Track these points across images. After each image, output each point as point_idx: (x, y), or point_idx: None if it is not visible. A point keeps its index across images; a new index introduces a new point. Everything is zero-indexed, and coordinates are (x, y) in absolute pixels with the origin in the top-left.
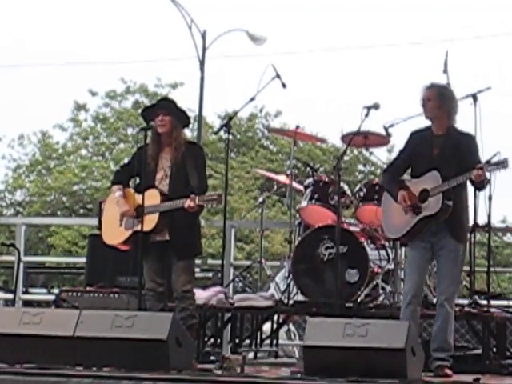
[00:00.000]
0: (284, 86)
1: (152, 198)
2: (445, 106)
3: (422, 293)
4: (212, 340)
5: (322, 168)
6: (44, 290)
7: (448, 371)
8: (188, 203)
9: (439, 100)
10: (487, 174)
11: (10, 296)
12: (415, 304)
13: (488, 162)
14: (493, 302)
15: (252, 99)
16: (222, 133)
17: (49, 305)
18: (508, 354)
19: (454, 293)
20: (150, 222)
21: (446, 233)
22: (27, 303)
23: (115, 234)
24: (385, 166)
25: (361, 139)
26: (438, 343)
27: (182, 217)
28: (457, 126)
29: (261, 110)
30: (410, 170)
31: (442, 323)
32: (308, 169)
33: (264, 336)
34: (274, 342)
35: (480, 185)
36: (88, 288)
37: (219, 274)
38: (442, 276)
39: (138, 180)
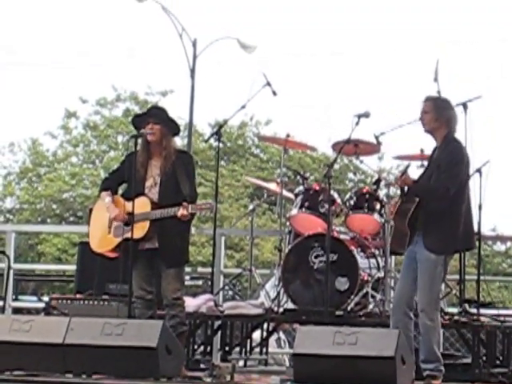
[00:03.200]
0: (274, 93)
1: (142, 205)
2: (442, 118)
3: (408, 301)
4: (202, 348)
5: (312, 176)
6: (34, 298)
7: (433, 382)
8: (181, 211)
9: (435, 112)
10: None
11: (0, 303)
12: (398, 314)
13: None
14: (483, 311)
15: (242, 107)
16: (212, 141)
17: (39, 312)
18: (498, 362)
19: (430, 304)
20: (141, 229)
21: (421, 243)
22: (17, 310)
23: (104, 241)
24: (375, 175)
25: (351, 147)
26: (423, 355)
27: (172, 225)
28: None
29: (251, 118)
30: None
31: (423, 335)
32: (298, 177)
33: (254, 344)
34: (264, 349)
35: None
36: (78, 295)
37: (209, 282)
38: (418, 286)
39: (126, 186)
